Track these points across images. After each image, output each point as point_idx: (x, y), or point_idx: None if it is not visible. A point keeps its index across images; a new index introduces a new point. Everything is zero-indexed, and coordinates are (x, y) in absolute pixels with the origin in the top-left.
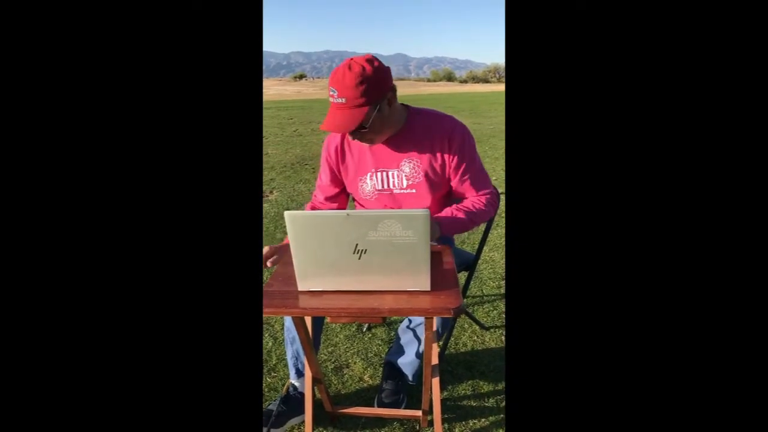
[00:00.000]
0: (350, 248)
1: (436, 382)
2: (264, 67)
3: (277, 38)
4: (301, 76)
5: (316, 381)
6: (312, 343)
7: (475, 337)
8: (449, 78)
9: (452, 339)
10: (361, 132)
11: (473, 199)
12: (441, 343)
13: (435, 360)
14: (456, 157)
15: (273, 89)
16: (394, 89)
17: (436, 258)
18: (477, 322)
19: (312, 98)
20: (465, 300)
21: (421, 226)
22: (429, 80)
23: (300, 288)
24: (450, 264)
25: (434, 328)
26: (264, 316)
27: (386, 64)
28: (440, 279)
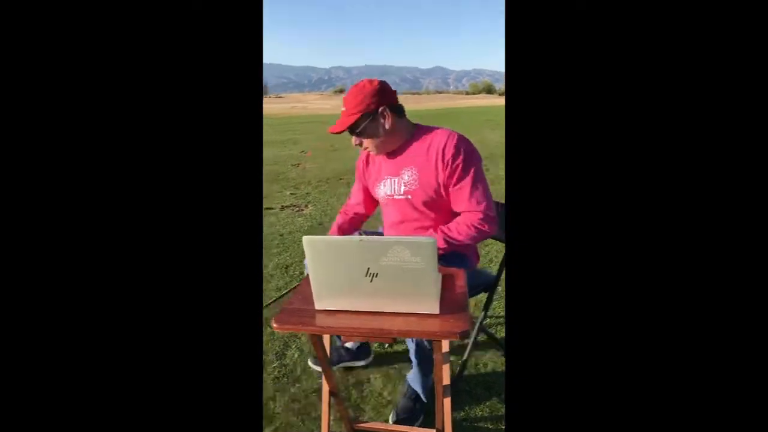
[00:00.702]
0: (362, 272)
1: (447, 402)
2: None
3: (319, 54)
4: (341, 91)
5: (333, 395)
6: (329, 358)
7: (496, 358)
8: (489, 90)
9: (473, 359)
10: (358, 136)
11: (461, 219)
12: (461, 361)
13: (446, 380)
14: (448, 168)
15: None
16: (393, 107)
17: (448, 281)
18: (498, 342)
19: None
20: (487, 320)
21: (428, 253)
22: (468, 93)
23: (317, 307)
24: (462, 288)
25: (445, 350)
26: (285, 331)
27: (423, 79)
28: (450, 302)
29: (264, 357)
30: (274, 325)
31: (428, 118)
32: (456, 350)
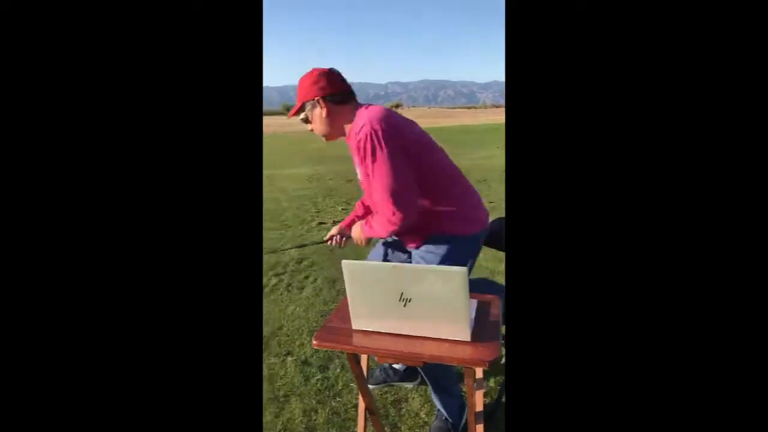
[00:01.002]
0: (396, 296)
1: (480, 428)
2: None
3: (376, 69)
4: (397, 105)
5: (370, 412)
6: (363, 375)
7: None
8: None
9: None
10: (304, 123)
11: (378, 210)
12: (499, 386)
13: (479, 407)
14: (360, 155)
15: None
16: (334, 96)
17: (483, 307)
18: None
19: None
20: None
21: (459, 282)
22: None
23: (354, 326)
24: (496, 316)
25: (478, 376)
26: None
27: (480, 93)
28: (483, 330)
29: (308, 369)
30: (314, 342)
31: (484, 132)
32: (499, 370)
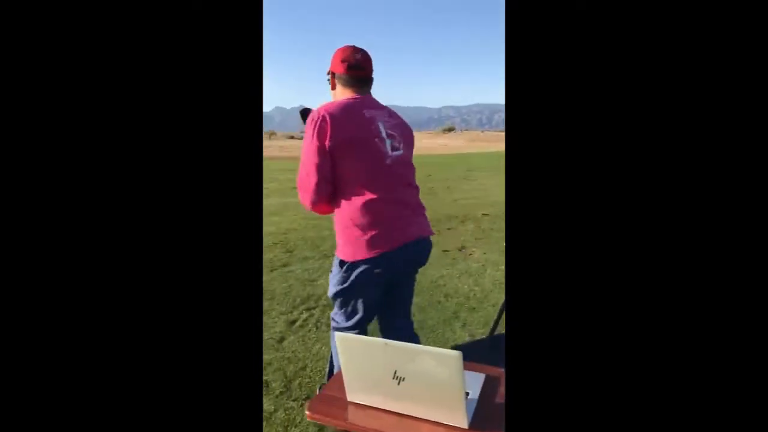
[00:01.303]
0: (390, 374)
1: None
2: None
3: (431, 93)
4: (450, 129)
5: None
6: None
7: None
8: None
9: None
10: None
11: None
12: None
13: None
14: None
15: (422, 142)
16: (338, 75)
17: (490, 385)
18: None
19: (457, 152)
20: None
21: (453, 366)
22: None
23: (348, 398)
24: (503, 396)
25: None
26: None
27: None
28: (486, 413)
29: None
30: (307, 413)
31: None
32: None
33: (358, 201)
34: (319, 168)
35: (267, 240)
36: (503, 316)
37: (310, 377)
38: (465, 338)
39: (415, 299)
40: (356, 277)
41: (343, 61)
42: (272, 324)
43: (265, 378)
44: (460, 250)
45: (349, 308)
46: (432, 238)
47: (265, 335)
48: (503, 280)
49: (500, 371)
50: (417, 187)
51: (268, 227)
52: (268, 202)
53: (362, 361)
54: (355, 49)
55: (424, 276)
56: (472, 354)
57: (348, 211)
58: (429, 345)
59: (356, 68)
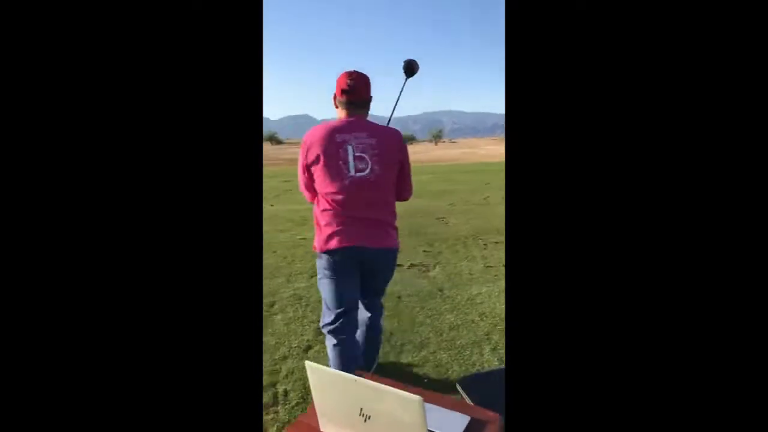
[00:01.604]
0: (357, 410)
1: None
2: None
3: (495, 99)
4: None
5: None
6: None
7: None
8: None
9: None
10: None
11: None
12: None
13: None
14: None
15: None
16: (336, 98)
17: (473, 428)
18: None
19: None
20: None
21: (415, 411)
22: None
23: (321, 428)
24: None
25: None
26: None
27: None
28: None
29: None
30: None
31: None
32: None
33: (321, 207)
34: (301, 179)
35: (309, 246)
36: None
37: None
38: (494, 362)
39: (449, 317)
40: (318, 263)
41: (338, 86)
42: (302, 332)
43: (285, 387)
44: (505, 266)
45: (320, 286)
46: (476, 251)
47: (294, 343)
48: None
49: (492, 415)
50: (388, 203)
51: (310, 233)
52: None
53: (332, 393)
54: (350, 75)
55: (461, 292)
56: (479, 387)
57: (316, 212)
58: (455, 366)
59: (348, 93)
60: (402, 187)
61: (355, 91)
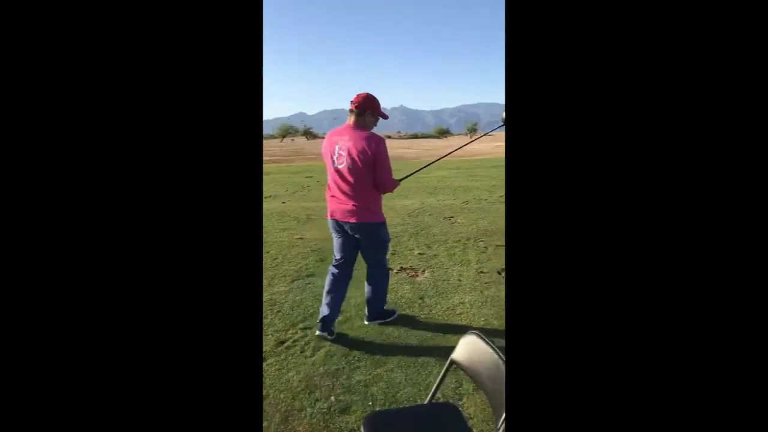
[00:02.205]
0: None
1: None
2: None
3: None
4: None
5: None
6: None
7: None
8: None
9: None
10: None
11: None
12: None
13: None
14: None
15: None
16: (349, 108)
17: None
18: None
19: None
20: None
21: None
22: None
23: None
24: None
25: None
26: None
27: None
28: None
29: None
30: None
31: None
32: None
33: (330, 186)
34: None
35: (304, 247)
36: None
37: (265, 410)
38: (450, 385)
39: (420, 330)
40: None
41: (354, 100)
42: (263, 341)
43: None
44: (499, 272)
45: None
46: (473, 255)
47: None
48: None
49: None
50: (361, 188)
51: (310, 233)
52: (307, 204)
53: None
54: (357, 96)
55: (441, 301)
56: (384, 428)
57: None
58: (407, 387)
59: (352, 104)
60: (378, 177)
61: (354, 102)
